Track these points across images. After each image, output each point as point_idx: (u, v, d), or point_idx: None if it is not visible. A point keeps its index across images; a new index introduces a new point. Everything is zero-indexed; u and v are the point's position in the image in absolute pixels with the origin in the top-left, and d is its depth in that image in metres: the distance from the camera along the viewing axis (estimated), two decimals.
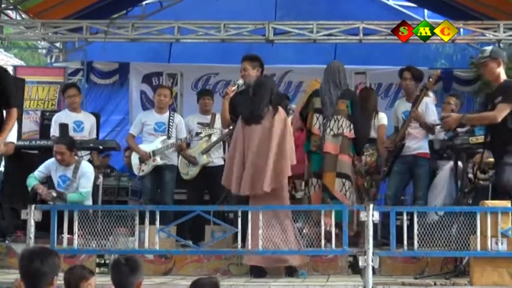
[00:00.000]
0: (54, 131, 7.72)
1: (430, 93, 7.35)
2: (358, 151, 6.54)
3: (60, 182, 6.93)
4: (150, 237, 5.13)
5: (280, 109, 5.85)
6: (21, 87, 8.72)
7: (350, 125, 6.38)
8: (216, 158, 7.74)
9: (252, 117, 5.79)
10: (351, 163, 6.42)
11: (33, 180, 6.88)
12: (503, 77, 5.54)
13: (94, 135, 7.96)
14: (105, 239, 5.31)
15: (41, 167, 6.99)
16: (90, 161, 7.59)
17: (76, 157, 6.99)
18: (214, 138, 7.64)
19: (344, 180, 6.30)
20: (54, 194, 6.63)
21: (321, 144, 6.37)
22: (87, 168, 6.92)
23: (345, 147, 6.35)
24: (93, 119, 8.10)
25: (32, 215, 5.03)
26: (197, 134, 7.61)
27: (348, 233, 5.03)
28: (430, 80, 6.89)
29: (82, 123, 7.80)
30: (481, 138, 5.83)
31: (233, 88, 6.31)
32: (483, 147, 5.82)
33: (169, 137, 7.43)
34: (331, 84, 6.50)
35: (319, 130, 6.41)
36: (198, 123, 7.77)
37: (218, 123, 7.68)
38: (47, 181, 6.99)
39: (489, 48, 5.66)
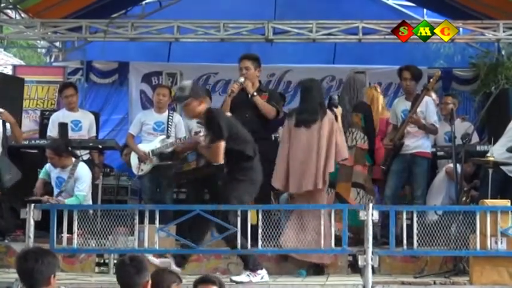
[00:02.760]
0: (50, 132, 7.72)
1: (433, 94, 7.37)
2: (374, 159, 6.98)
3: (58, 183, 6.99)
4: (149, 236, 5.13)
5: (328, 111, 6.17)
6: (20, 86, 8.73)
7: (364, 137, 6.93)
8: None
9: (304, 121, 6.01)
10: (366, 172, 6.87)
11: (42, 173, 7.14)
12: (202, 110, 5.44)
13: (94, 133, 7.96)
14: (104, 239, 5.32)
15: (44, 169, 7.15)
16: (90, 160, 7.59)
17: (73, 159, 7.00)
18: None
19: (359, 189, 6.83)
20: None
21: None
22: (83, 171, 6.92)
23: (358, 158, 6.85)
24: (91, 116, 8.10)
25: (31, 215, 5.04)
26: (196, 133, 7.60)
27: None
28: (431, 80, 6.90)
29: (80, 122, 7.80)
30: (193, 164, 5.75)
31: (237, 86, 6.33)
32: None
33: (168, 137, 7.42)
34: (346, 98, 7.01)
35: None
36: (198, 122, 7.75)
37: None
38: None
39: (187, 85, 5.48)
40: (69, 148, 7.09)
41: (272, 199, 7.11)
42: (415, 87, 7.03)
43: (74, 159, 7.01)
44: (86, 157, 7.53)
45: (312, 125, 5.99)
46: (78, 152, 7.27)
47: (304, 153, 5.96)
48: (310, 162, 5.91)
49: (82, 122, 7.82)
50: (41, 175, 7.18)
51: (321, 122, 5.99)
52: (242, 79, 6.39)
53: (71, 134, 7.58)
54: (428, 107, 6.82)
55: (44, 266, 3.56)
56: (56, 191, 6.97)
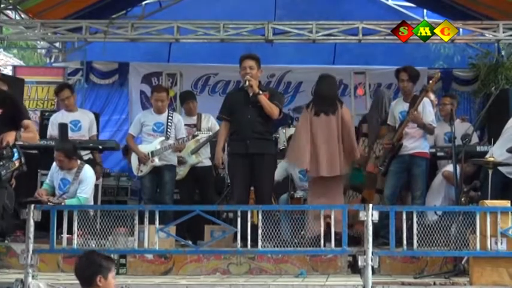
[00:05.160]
0: (50, 133, 7.70)
1: (432, 95, 7.37)
2: None
3: (61, 185, 6.97)
4: (149, 237, 5.12)
5: (344, 103, 6.75)
6: (20, 87, 8.72)
7: None
8: (204, 159, 7.77)
9: (324, 110, 6.58)
10: None
11: (44, 186, 7.10)
12: None
13: (94, 132, 7.94)
14: (104, 239, 5.31)
15: (48, 176, 7.11)
16: (91, 159, 7.58)
17: (79, 161, 7.00)
18: (202, 139, 7.69)
19: (381, 195, 7.06)
20: (53, 202, 6.64)
21: (364, 164, 7.31)
22: (88, 174, 6.91)
23: None
24: (91, 115, 8.07)
25: (31, 215, 5.03)
26: (194, 136, 7.60)
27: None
28: (431, 82, 6.90)
29: (79, 122, 7.79)
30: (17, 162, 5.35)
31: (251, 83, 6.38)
32: None
33: (167, 138, 7.40)
34: (375, 111, 7.45)
35: (364, 151, 7.39)
36: (185, 125, 7.76)
37: (205, 123, 7.78)
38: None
39: None
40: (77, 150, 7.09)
41: (272, 200, 7.11)
42: (412, 88, 7.02)
43: (79, 161, 7.01)
44: (86, 157, 7.52)
45: (331, 114, 6.54)
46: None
47: (327, 140, 6.50)
48: (334, 148, 6.49)
49: (81, 122, 7.80)
50: (44, 186, 7.15)
51: (341, 109, 6.57)
52: (248, 77, 6.38)
53: (71, 135, 7.58)
54: (425, 107, 6.82)
55: (85, 265, 3.87)
56: (58, 193, 6.96)
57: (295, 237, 6.26)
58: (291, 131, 8.28)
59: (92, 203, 6.98)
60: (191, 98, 8.13)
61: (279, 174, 7.46)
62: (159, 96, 7.45)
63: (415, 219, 4.95)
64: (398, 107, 7.10)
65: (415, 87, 7.12)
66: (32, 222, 5.02)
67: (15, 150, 5.10)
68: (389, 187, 6.85)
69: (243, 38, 9.39)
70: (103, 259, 3.91)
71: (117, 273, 5.91)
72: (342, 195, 6.79)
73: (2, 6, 9.40)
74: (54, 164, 7.01)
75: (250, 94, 6.45)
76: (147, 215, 5.11)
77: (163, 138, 7.37)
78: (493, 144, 6.50)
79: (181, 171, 7.66)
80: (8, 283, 4.91)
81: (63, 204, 6.64)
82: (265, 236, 5.12)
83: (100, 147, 7.77)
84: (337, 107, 6.60)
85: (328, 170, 6.50)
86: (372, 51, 10.33)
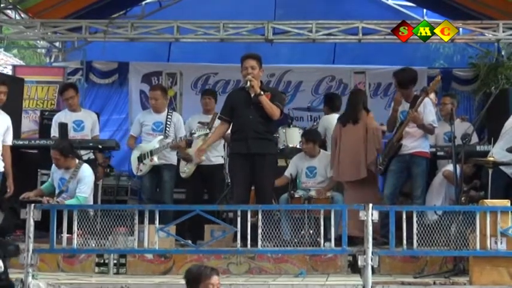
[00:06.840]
0: (54, 132, 7.71)
1: (432, 94, 7.36)
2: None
3: (60, 184, 6.96)
4: (149, 236, 5.13)
5: (370, 112, 7.24)
6: (20, 87, 8.72)
7: None
8: (214, 157, 7.77)
9: (351, 119, 7.11)
10: None
11: (45, 185, 7.14)
12: None
13: (97, 132, 7.94)
14: (104, 239, 5.31)
15: (50, 175, 7.13)
16: (92, 159, 7.57)
17: (77, 160, 6.99)
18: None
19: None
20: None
21: None
22: (86, 173, 6.88)
23: None
24: (94, 116, 8.08)
25: (31, 215, 5.03)
26: (191, 134, 7.59)
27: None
28: (431, 84, 6.90)
29: (82, 122, 7.78)
30: None
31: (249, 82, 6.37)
32: None
33: (166, 137, 7.40)
34: None
35: None
36: (199, 123, 7.75)
37: (217, 122, 7.71)
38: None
39: None
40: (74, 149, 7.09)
41: (272, 200, 7.11)
42: (410, 90, 6.98)
43: (77, 160, 7.01)
44: (86, 157, 7.52)
45: (358, 123, 7.05)
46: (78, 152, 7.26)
47: (353, 147, 6.99)
48: (359, 153, 6.96)
49: (84, 122, 7.80)
50: (43, 186, 7.17)
51: (364, 121, 7.04)
52: (250, 77, 6.37)
53: (74, 134, 7.58)
54: (426, 107, 6.80)
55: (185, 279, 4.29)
56: (57, 192, 6.96)
57: (295, 237, 6.26)
58: (291, 130, 8.29)
59: (91, 202, 6.98)
60: (208, 94, 8.16)
61: (290, 171, 7.49)
62: (152, 94, 7.54)
63: (415, 219, 4.95)
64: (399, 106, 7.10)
65: (415, 88, 7.11)
66: (32, 222, 5.02)
67: None
68: (389, 186, 6.84)
69: (242, 38, 9.39)
70: (195, 271, 4.28)
71: (117, 273, 5.94)
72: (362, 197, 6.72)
73: (2, 5, 9.39)
74: (53, 165, 7.01)
75: (252, 94, 6.44)
76: (147, 214, 5.11)
77: (162, 137, 7.38)
78: (493, 144, 6.50)
79: (188, 169, 7.64)
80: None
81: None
82: (265, 236, 5.12)
83: (100, 146, 7.76)
84: (363, 115, 7.07)
85: (348, 175, 7.03)
86: (371, 51, 10.32)
